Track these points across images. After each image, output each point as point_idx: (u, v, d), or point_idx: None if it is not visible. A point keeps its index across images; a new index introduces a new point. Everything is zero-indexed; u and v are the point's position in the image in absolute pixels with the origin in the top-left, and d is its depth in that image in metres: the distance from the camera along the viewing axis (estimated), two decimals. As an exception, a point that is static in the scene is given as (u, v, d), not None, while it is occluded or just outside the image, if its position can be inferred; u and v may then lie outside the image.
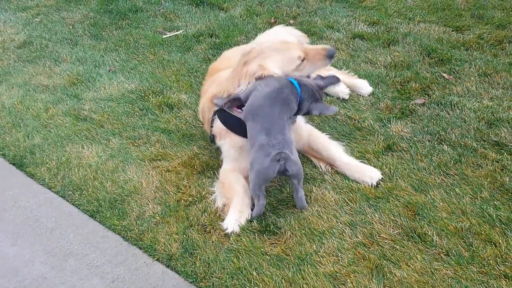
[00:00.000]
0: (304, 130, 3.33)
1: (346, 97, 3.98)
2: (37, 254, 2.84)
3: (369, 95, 4.01)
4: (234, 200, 2.93)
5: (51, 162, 3.47)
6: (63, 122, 3.88)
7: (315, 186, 3.09)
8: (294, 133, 3.16)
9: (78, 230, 2.98)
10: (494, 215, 2.80)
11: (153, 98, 4.07)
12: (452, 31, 5.07)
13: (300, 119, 3.34)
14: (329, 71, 4.12)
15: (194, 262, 2.67)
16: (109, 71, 4.58)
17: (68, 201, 3.20)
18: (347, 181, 3.11)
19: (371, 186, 3.07)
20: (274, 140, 2.74)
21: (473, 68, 4.29)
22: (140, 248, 2.81)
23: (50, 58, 4.87)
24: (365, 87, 4.07)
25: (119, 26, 5.46)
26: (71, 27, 5.51)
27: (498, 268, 2.51)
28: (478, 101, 3.83)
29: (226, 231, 2.80)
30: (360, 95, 4.02)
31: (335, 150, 3.27)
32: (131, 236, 2.88)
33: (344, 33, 5.08)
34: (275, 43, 3.14)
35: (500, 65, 4.31)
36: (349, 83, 4.09)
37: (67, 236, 2.94)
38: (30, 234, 2.98)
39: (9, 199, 3.25)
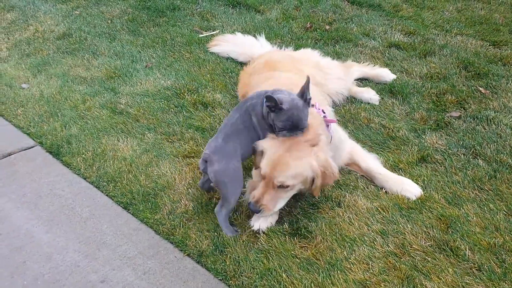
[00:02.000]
0: (346, 144, 3.34)
1: (377, 102, 4.00)
2: (71, 242, 2.90)
3: (390, 81, 4.25)
4: None
5: (87, 152, 3.54)
6: (100, 114, 3.94)
7: (347, 192, 3.09)
8: (335, 149, 3.11)
9: (111, 221, 3.03)
10: (528, 233, 2.77)
11: (188, 95, 4.12)
12: (489, 45, 5.02)
13: (343, 134, 3.36)
14: (351, 66, 4.24)
15: (224, 260, 2.69)
16: (146, 67, 4.64)
17: (102, 192, 3.25)
18: (379, 190, 3.11)
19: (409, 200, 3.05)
20: (213, 142, 2.85)
21: (510, 84, 4.24)
22: (172, 243, 2.85)
23: (89, 51, 4.95)
24: (387, 74, 4.34)
25: (157, 23, 5.53)
26: (109, 21, 5.59)
27: (531, 286, 2.48)
28: (514, 117, 3.79)
29: (253, 229, 2.82)
30: (384, 83, 4.29)
31: (373, 163, 3.26)
32: (163, 230, 2.91)
33: (380, 41, 5.07)
34: None
35: (538, 83, 4.26)
36: (372, 75, 4.35)
37: (101, 227, 3.00)
38: (65, 222, 3.04)
39: (45, 187, 3.31)
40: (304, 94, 2.75)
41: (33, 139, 3.75)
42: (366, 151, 3.36)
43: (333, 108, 3.78)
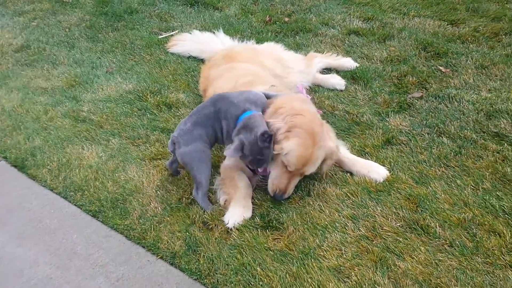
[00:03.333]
0: None
1: (343, 87, 4.04)
2: (41, 254, 2.83)
3: (353, 69, 4.28)
4: (235, 196, 2.94)
5: (52, 163, 3.47)
6: (63, 124, 3.87)
7: (316, 180, 3.10)
8: None
9: (81, 230, 2.98)
10: (497, 206, 2.82)
11: (151, 98, 4.07)
12: (447, 24, 5.10)
13: None
14: (314, 58, 4.25)
15: (198, 259, 2.67)
16: (106, 72, 4.58)
17: (70, 202, 3.19)
18: (348, 175, 3.13)
19: (377, 182, 3.08)
20: (182, 125, 2.99)
21: (469, 61, 4.31)
22: (144, 247, 2.81)
23: (48, 61, 4.86)
24: (349, 64, 4.37)
25: (115, 27, 5.46)
26: (67, 30, 5.50)
27: (503, 258, 2.52)
28: (476, 93, 3.86)
29: (228, 226, 2.81)
30: (345, 70, 4.33)
31: (340, 148, 3.27)
32: (134, 235, 2.87)
33: (339, 29, 5.10)
34: None
35: (497, 57, 4.35)
36: (335, 65, 4.37)
37: (71, 237, 2.94)
38: (34, 235, 2.97)
39: (14, 201, 3.24)
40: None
41: (-3, 155, 3.67)
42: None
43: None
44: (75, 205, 3.16)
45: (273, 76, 3.67)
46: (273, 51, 4.14)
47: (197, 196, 2.97)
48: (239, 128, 2.88)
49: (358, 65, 4.36)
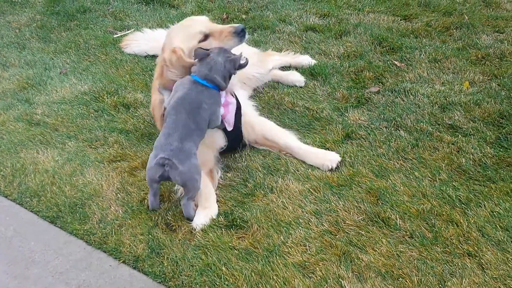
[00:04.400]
0: (256, 123, 3.38)
1: (302, 84, 4.06)
2: (-4, 265, 2.73)
3: (324, 81, 4.14)
4: (199, 198, 2.92)
5: (6, 169, 3.34)
6: (16, 128, 3.73)
7: (279, 177, 3.10)
8: (244, 127, 3.30)
9: (38, 237, 2.88)
10: (454, 196, 2.89)
11: (108, 98, 3.98)
12: (400, 20, 5.20)
13: (252, 112, 3.46)
14: (271, 55, 4.24)
15: (162, 261, 2.63)
16: (60, 73, 4.44)
17: (26, 208, 3.08)
18: (310, 171, 3.14)
19: (332, 169, 3.14)
20: (167, 146, 2.76)
21: (423, 55, 4.41)
22: (105, 252, 2.75)
23: (-3, 63, 4.68)
24: (307, 61, 4.37)
25: (68, 27, 5.30)
26: (17, 30, 5.31)
27: (461, 247, 2.58)
28: (430, 87, 3.95)
29: (195, 226, 2.79)
30: (303, 68, 4.30)
31: (291, 139, 3.33)
32: (94, 240, 2.80)
33: (297, 26, 5.13)
34: (181, 22, 3.23)
35: (449, 51, 4.46)
36: (295, 63, 4.36)
37: (28, 244, 2.84)
38: (-12, 245, 2.86)
39: (-39, 211, 3.10)
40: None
41: None
42: (280, 128, 3.42)
43: (254, 94, 3.95)
44: (32, 212, 3.05)
45: None
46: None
47: (188, 205, 2.86)
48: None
49: (315, 62, 4.38)
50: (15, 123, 3.79)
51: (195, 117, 2.86)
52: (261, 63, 4.03)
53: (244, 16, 5.37)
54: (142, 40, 4.69)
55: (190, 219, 2.85)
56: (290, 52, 4.47)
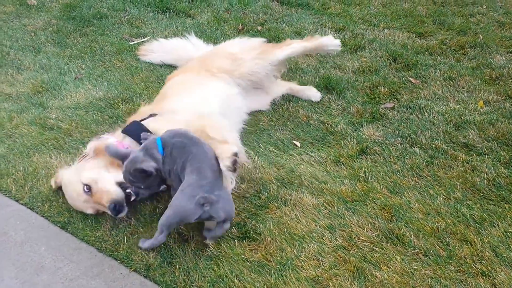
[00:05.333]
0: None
1: (318, 99, 4.03)
2: (6, 269, 2.70)
3: (339, 95, 4.11)
4: None
5: (18, 173, 3.33)
6: (29, 131, 3.74)
7: (293, 190, 3.08)
8: None
9: (49, 242, 2.86)
10: (468, 215, 2.87)
11: (123, 105, 3.98)
12: (415, 37, 5.22)
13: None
14: (289, 44, 3.95)
15: (173, 271, 2.61)
16: (75, 78, 4.45)
17: (37, 213, 3.06)
18: (323, 185, 3.12)
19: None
20: (203, 181, 2.61)
21: (438, 73, 4.41)
22: (116, 259, 2.73)
23: (12, 66, 4.69)
24: (331, 42, 3.96)
25: (84, 33, 5.32)
26: (33, 34, 5.33)
27: (475, 266, 2.57)
28: (445, 105, 3.94)
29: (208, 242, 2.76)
30: (328, 52, 4.16)
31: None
32: (106, 247, 2.79)
33: (312, 39, 5.12)
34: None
35: (464, 70, 4.46)
36: (315, 46, 3.96)
37: (38, 249, 2.82)
38: (-2, 248, 2.85)
39: (-28, 213, 3.10)
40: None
41: (-44, 164, 3.51)
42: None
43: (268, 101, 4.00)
44: (43, 216, 3.04)
45: (223, 72, 3.69)
46: (226, 49, 4.00)
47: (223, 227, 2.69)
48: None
49: (340, 40, 4.00)
50: (29, 127, 3.79)
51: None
52: (262, 55, 3.83)
53: (259, 28, 5.38)
54: (159, 52, 4.68)
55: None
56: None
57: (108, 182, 2.91)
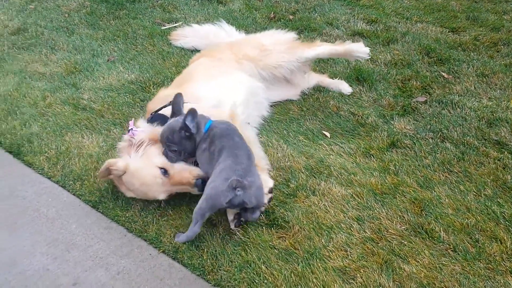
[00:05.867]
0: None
1: (348, 93, 3.99)
2: (37, 245, 2.77)
3: (370, 87, 4.06)
4: None
5: (50, 151, 3.40)
6: (62, 110, 3.80)
7: (321, 180, 3.08)
8: None
9: (80, 220, 2.92)
10: (498, 212, 2.84)
11: (154, 89, 4.01)
12: (448, 31, 5.13)
13: None
14: (319, 45, 3.95)
15: (201, 254, 2.63)
16: (108, 60, 4.50)
17: (68, 191, 3.12)
18: (353, 176, 3.11)
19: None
20: (238, 165, 2.59)
21: (471, 69, 4.33)
22: (145, 240, 2.77)
23: (46, 46, 4.76)
24: (361, 49, 3.89)
25: (117, 16, 5.37)
26: (66, 15, 5.40)
27: (504, 264, 2.54)
28: (477, 101, 3.87)
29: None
30: (357, 58, 4.00)
31: None
32: (135, 228, 2.83)
33: (344, 30, 5.09)
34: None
35: (497, 67, 4.37)
36: (344, 51, 3.92)
37: (69, 227, 2.88)
38: (30, 224, 2.90)
39: (5, 189, 3.16)
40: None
41: (-9, 140, 3.59)
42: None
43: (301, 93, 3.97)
44: (74, 195, 3.10)
45: (248, 60, 3.73)
46: (255, 39, 4.05)
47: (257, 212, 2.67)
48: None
49: (370, 50, 3.95)
50: (62, 106, 3.85)
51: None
52: (290, 50, 3.85)
53: (291, 17, 5.36)
54: (192, 37, 4.69)
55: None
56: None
57: (184, 163, 2.93)
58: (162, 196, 2.88)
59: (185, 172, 2.85)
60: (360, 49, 3.88)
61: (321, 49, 3.90)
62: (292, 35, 4.07)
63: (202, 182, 2.78)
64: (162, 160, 2.89)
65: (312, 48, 3.88)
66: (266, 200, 2.78)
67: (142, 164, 2.88)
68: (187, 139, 2.78)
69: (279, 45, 3.88)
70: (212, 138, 2.75)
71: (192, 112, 2.72)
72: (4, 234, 2.84)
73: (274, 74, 3.81)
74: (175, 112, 2.84)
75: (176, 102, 2.86)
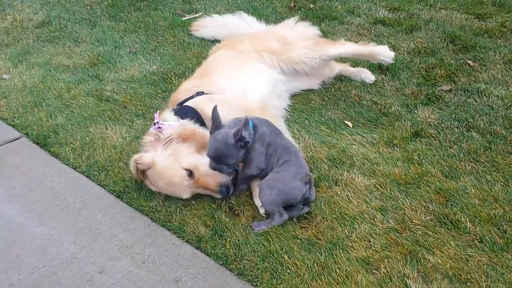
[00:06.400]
0: None
1: (371, 82, 3.95)
2: (65, 234, 2.82)
3: (393, 76, 3.98)
4: None
5: (75, 142, 3.45)
6: (86, 102, 3.85)
7: (344, 170, 3.06)
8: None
9: (105, 210, 2.96)
10: (527, 203, 2.78)
11: (175, 80, 4.03)
12: (474, 18, 5.03)
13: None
14: (343, 44, 3.91)
15: (224, 244, 2.64)
16: (129, 52, 4.54)
17: (94, 181, 3.17)
18: (376, 166, 3.08)
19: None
20: (302, 162, 2.79)
21: (497, 56, 4.25)
22: (169, 230, 2.79)
23: (70, 38, 4.83)
24: (385, 52, 3.83)
25: (137, 7, 5.40)
26: (89, 7, 5.45)
27: (533, 255, 2.49)
28: (504, 89, 3.80)
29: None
30: (382, 64, 3.94)
31: None
32: (159, 218, 2.85)
33: (365, 18, 5.03)
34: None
35: (525, 54, 4.27)
36: (368, 53, 3.85)
37: (95, 216, 2.92)
38: (57, 213, 2.96)
39: (34, 179, 3.22)
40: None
41: (19, 131, 3.65)
42: None
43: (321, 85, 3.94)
44: (99, 185, 3.14)
45: (269, 53, 3.72)
46: (277, 31, 4.02)
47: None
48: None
49: (394, 54, 3.92)
50: (86, 98, 3.90)
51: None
52: (314, 47, 3.83)
53: (311, 6, 5.32)
54: (213, 27, 4.69)
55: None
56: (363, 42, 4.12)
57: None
58: (186, 196, 2.92)
59: (208, 178, 2.87)
60: (384, 52, 3.83)
61: (345, 48, 3.86)
62: (315, 30, 4.08)
63: (225, 190, 2.85)
64: (190, 162, 2.90)
65: (336, 47, 3.85)
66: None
67: (170, 163, 2.90)
68: (242, 148, 2.76)
69: (303, 40, 3.87)
70: (263, 138, 2.79)
71: (246, 122, 2.69)
72: (35, 223, 2.90)
73: (295, 69, 3.79)
74: (217, 126, 2.77)
75: (216, 116, 2.77)
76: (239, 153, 2.74)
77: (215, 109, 2.75)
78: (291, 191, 2.67)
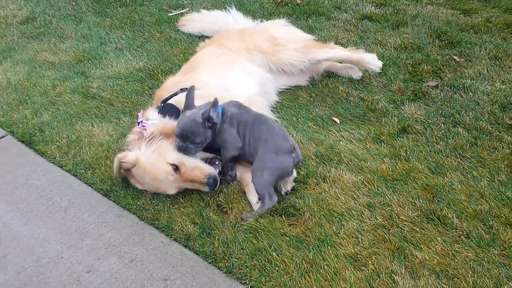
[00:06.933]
0: None
1: (358, 78, 3.96)
2: (52, 233, 2.80)
3: (380, 72, 3.96)
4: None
5: (61, 140, 3.41)
6: (72, 99, 3.81)
7: (332, 167, 3.07)
8: None
9: (92, 209, 2.94)
10: (513, 198, 2.81)
11: (162, 77, 4.01)
12: (460, 13, 5.06)
13: None
14: (333, 48, 3.93)
15: (213, 242, 2.64)
16: (115, 48, 4.50)
17: (80, 179, 3.15)
18: (363, 163, 3.09)
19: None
20: (281, 132, 2.88)
21: (483, 51, 4.27)
22: (157, 228, 2.78)
23: (55, 35, 4.77)
24: (373, 60, 3.88)
25: (123, 3, 5.35)
26: (74, 3, 5.39)
27: (519, 251, 2.51)
28: (490, 84, 3.83)
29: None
30: (370, 71, 3.94)
31: None
32: (147, 216, 2.84)
33: (352, 14, 5.04)
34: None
35: (510, 49, 4.32)
36: (356, 59, 3.90)
37: (82, 215, 2.90)
38: (44, 213, 2.93)
39: (20, 177, 3.19)
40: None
41: (3, 129, 3.62)
42: None
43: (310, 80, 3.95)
44: (86, 183, 3.12)
45: (259, 52, 3.73)
46: (269, 30, 3.99)
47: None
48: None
49: (382, 63, 3.94)
50: (72, 95, 3.86)
51: None
52: (304, 50, 3.84)
53: (299, 1, 5.30)
54: (200, 22, 4.67)
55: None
56: (353, 47, 4.13)
57: (195, 160, 2.94)
58: (172, 192, 2.90)
59: (196, 170, 2.87)
60: (373, 61, 3.87)
61: (334, 52, 3.88)
62: (305, 34, 4.14)
63: (213, 182, 2.84)
64: (174, 157, 2.89)
65: (325, 50, 3.87)
66: (289, 188, 2.91)
67: (154, 159, 2.89)
68: (210, 128, 2.82)
69: (292, 41, 3.88)
70: (232, 118, 2.87)
71: (215, 103, 2.76)
72: (21, 222, 2.87)
73: (284, 70, 3.81)
74: (189, 106, 2.84)
75: (190, 96, 2.86)
76: (206, 132, 2.81)
77: (191, 89, 2.83)
78: (281, 166, 2.79)
